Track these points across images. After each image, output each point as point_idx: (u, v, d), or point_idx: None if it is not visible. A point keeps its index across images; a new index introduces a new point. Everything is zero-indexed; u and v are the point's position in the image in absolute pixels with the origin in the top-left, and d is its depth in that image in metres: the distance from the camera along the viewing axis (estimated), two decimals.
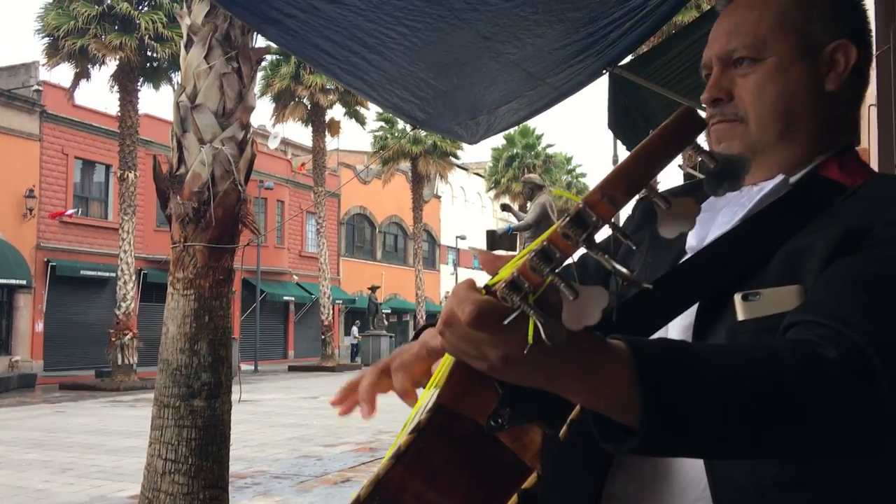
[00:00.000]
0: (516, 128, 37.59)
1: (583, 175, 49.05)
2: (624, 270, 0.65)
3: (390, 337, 31.98)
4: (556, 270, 0.65)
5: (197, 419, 4.71)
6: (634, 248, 0.67)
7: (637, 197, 0.69)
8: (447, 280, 46.33)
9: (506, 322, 0.66)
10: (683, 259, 1.02)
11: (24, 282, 24.52)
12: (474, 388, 0.80)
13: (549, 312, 0.65)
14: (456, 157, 36.99)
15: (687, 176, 0.70)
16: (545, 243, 0.65)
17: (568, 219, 0.64)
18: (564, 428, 0.81)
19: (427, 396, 0.93)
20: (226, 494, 4.86)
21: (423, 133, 33.65)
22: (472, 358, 0.70)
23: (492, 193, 43.30)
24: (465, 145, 34.50)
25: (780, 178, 1.01)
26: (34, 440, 11.57)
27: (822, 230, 0.92)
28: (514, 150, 40.75)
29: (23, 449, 10.70)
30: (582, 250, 0.66)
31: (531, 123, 42.75)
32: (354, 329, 35.69)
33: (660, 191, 0.70)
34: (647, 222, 1.14)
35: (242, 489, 7.81)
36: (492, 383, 0.75)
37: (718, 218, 1.02)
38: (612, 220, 0.66)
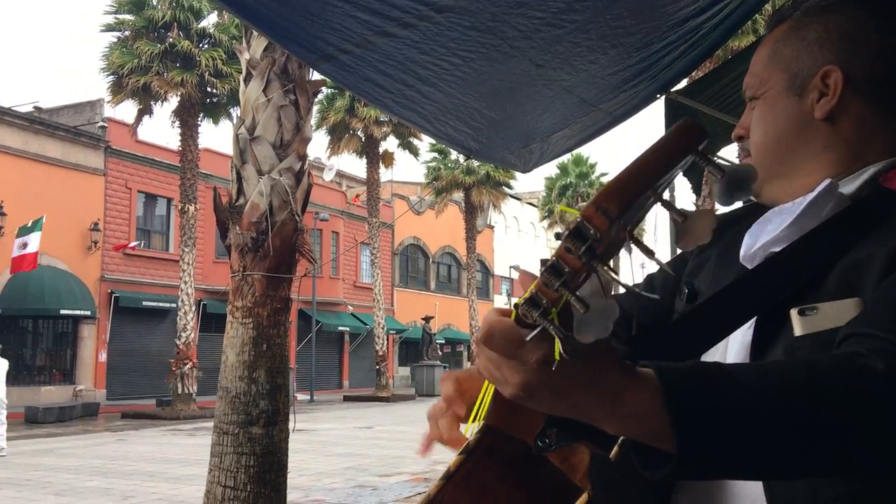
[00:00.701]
0: (569, 156, 37.55)
1: None
2: (622, 281, 0.65)
3: (444, 367, 31.94)
4: (568, 285, 0.64)
5: (255, 446, 4.76)
6: (651, 258, 0.67)
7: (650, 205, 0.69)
8: None
9: (528, 339, 0.66)
10: (741, 275, 1.02)
11: (88, 312, 25.18)
12: (520, 408, 0.80)
13: (569, 329, 0.65)
14: (509, 186, 37.05)
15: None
16: (554, 258, 0.65)
17: (567, 233, 0.65)
18: (616, 449, 0.80)
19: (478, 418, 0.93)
20: None
21: (476, 163, 33.82)
22: (498, 382, 0.71)
23: (545, 223, 43.18)
24: (518, 175, 34.43)
25: (826, 182, 1.00)
26: (97, 468, 11.80)
27: (883, 242, 0.90)
28: (568, 180, 40.63)
29: (86, 476, 10.92)
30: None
31: (584, 152, 42.65)
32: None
33: (677, 206, 0.70)
34: (712, 240, 1.14)
35: None
36: None
37: (768, 227, 1.02)
38: (615, 231, 0.65)
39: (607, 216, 0.64)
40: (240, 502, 4.68)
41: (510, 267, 45.04)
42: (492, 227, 46.99)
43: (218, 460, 4.81)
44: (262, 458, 4.77)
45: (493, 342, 0.68)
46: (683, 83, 3.96)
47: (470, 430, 0.92)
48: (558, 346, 0.65)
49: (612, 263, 0.66)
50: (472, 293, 36.39)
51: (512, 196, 41.77)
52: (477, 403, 0.92)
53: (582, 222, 0.64)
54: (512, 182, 36.68)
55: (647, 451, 0.72)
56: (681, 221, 0.68)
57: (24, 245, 21.09)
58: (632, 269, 0.69)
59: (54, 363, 25.88)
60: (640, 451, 0.73)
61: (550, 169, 42.96)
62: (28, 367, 24.65)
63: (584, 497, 0.81)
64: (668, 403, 0.69)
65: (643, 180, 0.66)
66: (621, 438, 0.79)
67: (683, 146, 0.68)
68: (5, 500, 9.18)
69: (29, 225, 21.25)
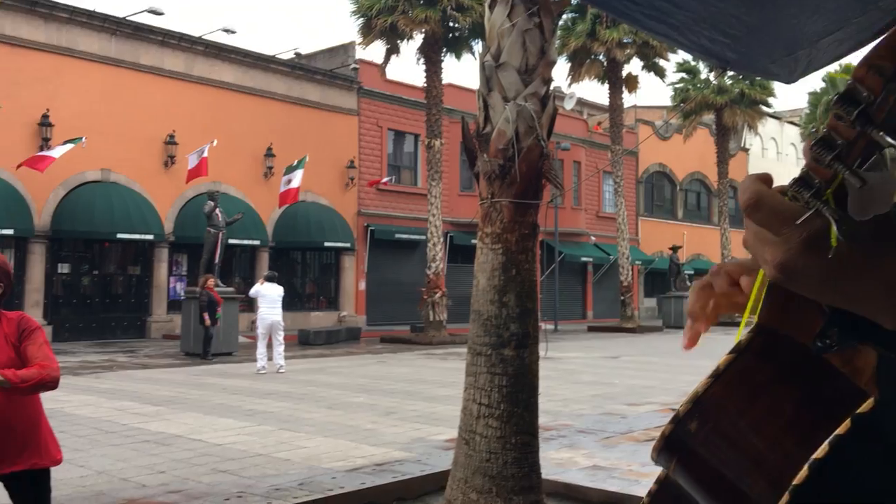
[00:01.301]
0: (838, 67, 34.17)
1: None
2: (893, 142, 0.56)
3: None
4: (842, 158, 0.58)
5: (507, 367, 4.90)
6: None
7: None
8: None
9: (798, 221, 0.60)
10: None
11: (348, 245, 27.18)
12: (795, 305, 0.73)
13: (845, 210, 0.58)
14: (767, 105, 34.52)
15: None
16: (826, 130, 0.59)
17: (837, 97, 0.59)
18: None
19: (748, 316, 0.87)
20: (536, 441, 5.02)
21: (729, 82, 31.83)
22: (760, 259, 0.65)
23: None
24: (777, 92, 31.79)
25: None
26: (361, 385, 12.83)
27: None
28: (836, 93, 37.14)
29: (352, 393, 11.91)
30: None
31: (857, 60, 38.70)
32: None
33: None
34: None
35: (549, 440, 8.04)
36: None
37: None
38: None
39: (881, 74, 0.57)
40: (494, 419, 4.86)
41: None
42: (746, 151, 44.29)
43: (473, 379, 5.01)
44: (514, 378, 4.90)
45: (760, 216, 0.62)
46: None
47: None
48: (834, 230, 0.58)
49: None
50: (724, 221, 34.69)
51: (770, 115, 38.93)
52: (750, 299, 0.86)
53: (853, 84, 0.58)
54: (770, 100, 34.14)
55: None
56: None
57: (289, 181, 23.03)
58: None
59: (321, 291, 28.37)
60: None
61: (815, 82, 39.68)
62: (298, 295, 27.16)
63: (870, 402, 0.74)
64: None
65: None
66: None
67: None
68: (287, 410, 10.27)
69: (294, 164, 23.13)
